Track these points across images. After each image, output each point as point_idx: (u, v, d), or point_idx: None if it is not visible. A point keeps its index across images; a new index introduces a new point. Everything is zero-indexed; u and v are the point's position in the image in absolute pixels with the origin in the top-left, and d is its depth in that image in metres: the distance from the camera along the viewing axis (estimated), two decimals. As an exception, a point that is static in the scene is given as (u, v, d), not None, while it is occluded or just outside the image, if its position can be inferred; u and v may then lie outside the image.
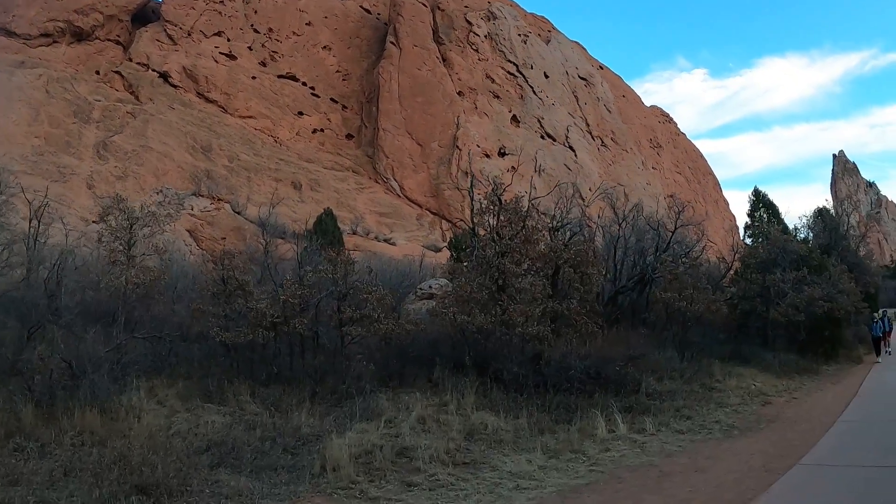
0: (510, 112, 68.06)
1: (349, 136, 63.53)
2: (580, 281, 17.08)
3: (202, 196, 45.09)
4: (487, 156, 59.58)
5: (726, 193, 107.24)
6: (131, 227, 15.18)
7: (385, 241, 47.19)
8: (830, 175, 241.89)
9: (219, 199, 45.35)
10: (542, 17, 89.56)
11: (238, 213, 42.55)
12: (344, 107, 66.09)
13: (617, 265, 25.59)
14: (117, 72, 56.23)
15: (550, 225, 21.01)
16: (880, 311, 34.42)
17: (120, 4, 60.22)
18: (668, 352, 19.74)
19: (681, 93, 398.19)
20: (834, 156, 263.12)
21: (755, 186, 35.86)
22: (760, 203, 36.96)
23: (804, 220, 39.51)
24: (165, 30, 60.92)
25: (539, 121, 69.88)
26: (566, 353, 14.23)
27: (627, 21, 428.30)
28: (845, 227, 43.03)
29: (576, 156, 71.50)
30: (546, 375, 14.00)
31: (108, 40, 59.32)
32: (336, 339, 14.25)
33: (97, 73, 55.88)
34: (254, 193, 47.61)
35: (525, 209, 17.06)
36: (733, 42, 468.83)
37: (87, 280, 17.58)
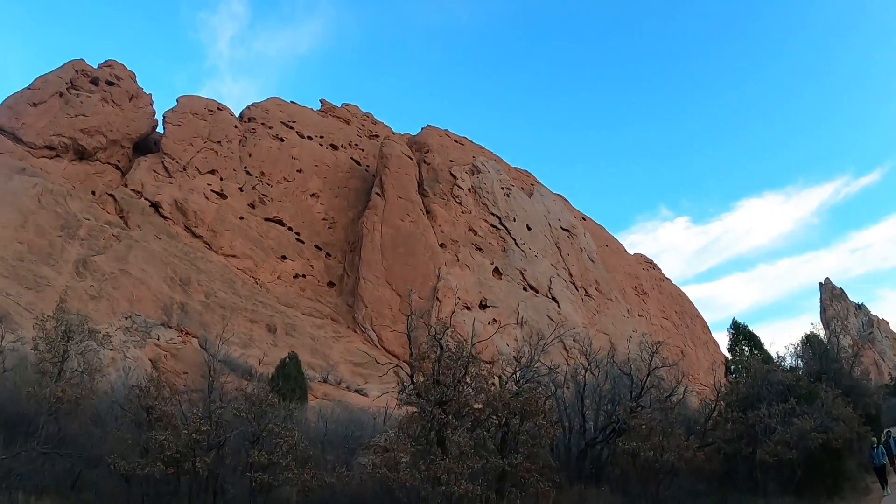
0: (492, 264, 69.26)
1: (331, 284, 64.16)
2: (529, 433, 15.76)
3: (170, 327, 44.89)
4: (468, 308, 59.97)
5: (717, 335, 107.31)
6: (67, 339, 14.92)
7: (357, 391, 46.46)
8: (819, 304, 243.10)
9: (187, 333, 45.09)
10: (526, 171, 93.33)
11: (204, 350, 42.10)
12: (328, 254, 67.25)
13: (585, 415, 24.74)
14: (111, 195, 57.75)
15: (511, 375, 20.49)
16: (884, 433, 30.43)
17: (124, 132, 63.19)
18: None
19: (665, 241, 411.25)
20: (820, 284, 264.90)
21: (733, 319, 33.77)
22: (740, 336, 35.52)
23: (791, 348, 38.02)
24: (163, 161, 63.29)
25: (521, 272, 71.00)
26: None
27: (611, 174, 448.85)
28: (836, 350, 41.35)
29: (559, 307, 72.05)
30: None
31: (109, 163, 61.51)
32: (245, 487, 13.27)
33: (92, 192, 57.54)
34: (227, 332, 47.23)
35: (468, 354, 16.09)
36: (711, 188, 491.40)
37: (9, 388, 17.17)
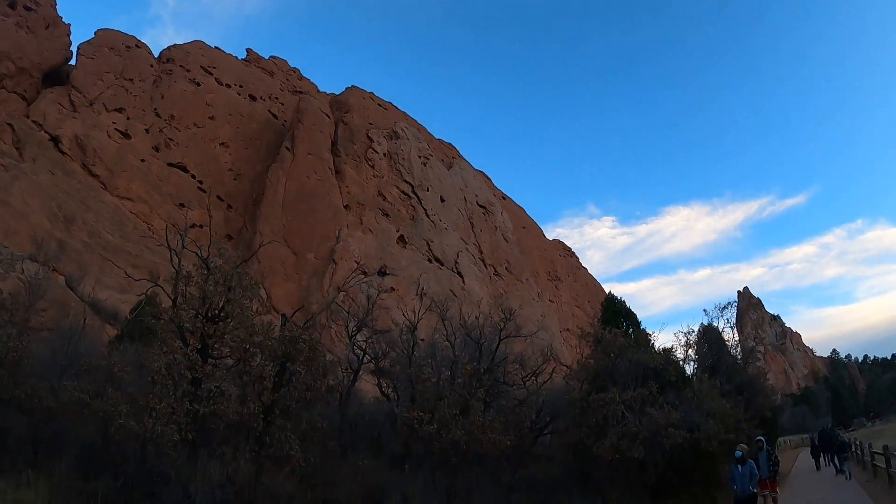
0: (398, 231, 69.45)
1: (228, 237, 63.08)
2: (298, 386, 13.64)
3: (37, 262, 43.69)
4: (366, 273, 59.97)
5: (649, 334, 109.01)
6: None
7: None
8: (735, 311, 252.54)
9: (54, 270, 43.93)
10: (449, 143, 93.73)
11: (72, 289, 41.04)
12: (229, 206, 66.27)
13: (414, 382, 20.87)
14: (10, 124, 55.56)
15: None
16: (757, 442, 20.70)
17: (35, 60, 61.01)
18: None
19: (591, 238, 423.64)
20: (739, 292, 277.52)
21: (609, 292, 30.16)
22: (613, 312, 27.60)
23: (682, 336, 33.77)
24: (70, 95, 61.28)
25: (428, 243, 71.37)
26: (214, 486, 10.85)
27: (545, 169, 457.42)
28: (733, 345, 38.54)
29: (464, 282, 72.83)
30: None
31: (15, 92, 59.28)
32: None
33: (-9, 120, 55.17)
34: (105, 275, 46.45)
35: (233, 276, 14.07)
36: (640, 192, 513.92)
37: None
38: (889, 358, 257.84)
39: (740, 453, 15.43)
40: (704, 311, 50.37)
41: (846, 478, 29.65)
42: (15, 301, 19.89)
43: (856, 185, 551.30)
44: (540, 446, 23.58)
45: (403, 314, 57.17)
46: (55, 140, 57.86)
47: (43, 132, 57.54)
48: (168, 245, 15.82)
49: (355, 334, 24.61)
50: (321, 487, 12.82)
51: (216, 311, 13.41)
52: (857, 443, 37.64)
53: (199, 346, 13.06)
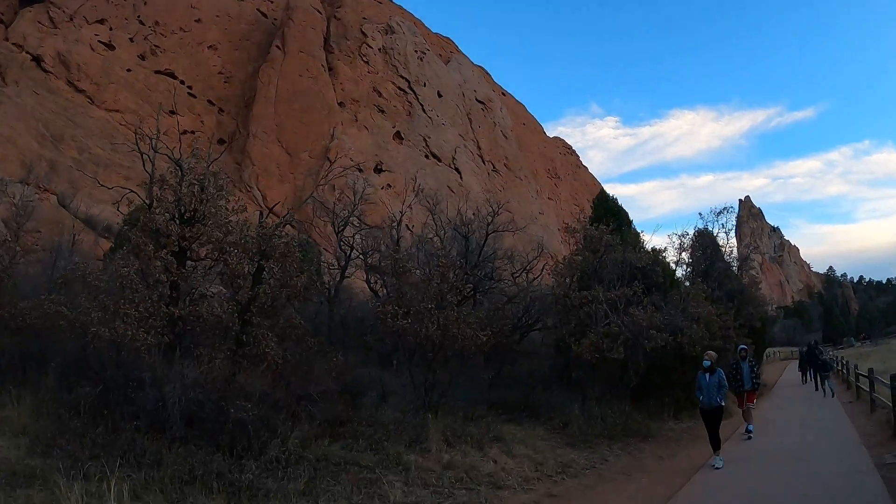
0: (394, 128, 68.52)
1: (221, 142, 61.78)
2: (275, 283, 13.64)
3: (28, 184, 43.53)
4: (361, 170, 59.38)
5: (643, 236, 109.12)
6: None
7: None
8: (735, 219, 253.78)
9: (45, 190, 43.82)
10: (447, 37, 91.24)
11: (64, 207, 41.06)
12: (221, 110, 65.12)
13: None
14: None
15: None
16: (741, 351, 19.77)
17: None
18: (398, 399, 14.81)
19: (593, 137, 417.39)
20: (740, 201, 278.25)
21: (601, 189, 28.14)
22: (605, 210, 26.28)
23: (676, 239, 33.23)
24: (49, 11, 59.40)
25: (425, 139, 70.57)
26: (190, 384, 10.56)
27: (549, 64, 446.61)
28: (729, 250, 37.70)
29: (461, 178, 72.39)
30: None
31: None
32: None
33: (-30, 46, 54.11)
34: (98, 190, 46.31)
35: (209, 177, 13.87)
36: (646, 93, 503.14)
37: None
38: (884, 282, 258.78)
39: (709, 362, 14.31)
40: (700, 214, 49.58)
41: (825, 395, 29.88)
42: (7, 226, 20.03)
43: (866, 105, 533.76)
44: (531, 344, 23.15)
45: (400, 211, 57.60)
46: (37, 60, 56.35)
47: (24, 53, 55.98)
48: (138, 149, 15.36)
49: (342, 230, 24.24)
50: (296, 384, 12.75)
51: (191, 213, 13.29)
52: (844, 362, 37.84)
53: (176, 250, 13.00)
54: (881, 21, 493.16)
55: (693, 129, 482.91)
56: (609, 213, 25.03)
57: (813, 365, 35.21)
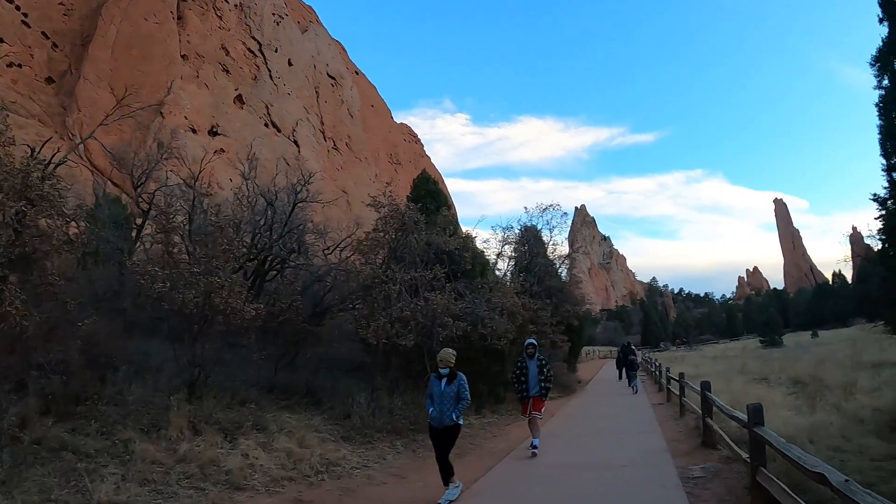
0: (237, 90, 67.45)
1: (50, 80, 57.26)
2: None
3: None
4: (195, 131, 58.34)
5: (466, 230, 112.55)
6: None
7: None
8: (570, 225, 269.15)
9: None
10: (309, 6, 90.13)
11: None
12: (55, 45, 59.97)
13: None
14: None
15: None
16: (527, 347, 15.42)
17: None
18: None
19: (442, 131, 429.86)
20: (576, 208, 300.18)
21: (423, 170, 28.16)
22: (426, 191, 24.91)
23: (500, 232, 34.15)
24: None
25: (267, 107, 70.05)
26: None
27: (410, 53, 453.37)
28: (553, 248, 38.21)
29: (299, 152, 72.36)
30: None
31: None
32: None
33: None
34: None
35: None
36: (499, 95, 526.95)
37: None
38: (702, 295, 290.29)
39: (447, 370, 10.46)
40: (525, 208, 51.48)
41: (633, 392, 30.47)
42: None
43: (703, 138, 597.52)
44: (340, 326, 21.27)
45: (230, 178, 56.90)
46: None
47: None
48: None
49: (140, 185, 22.41)
50: (40, 351, 11.14)
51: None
52: (657, 363, 38.18)
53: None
54: (739, 64, 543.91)
55: (540, 137, 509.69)
56: (429, 195, 24.37)
57: (625, 364, 36.34)
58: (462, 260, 20.52)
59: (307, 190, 22.54)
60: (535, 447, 14.21)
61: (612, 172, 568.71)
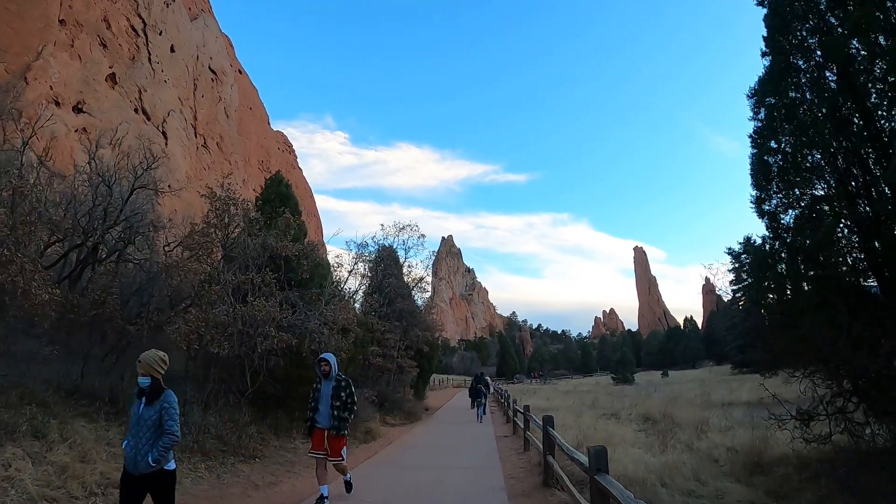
0: (111, 69, 63.02)
1: None
2: None
3: None
4: (58, 104, 53.96)
5: (330, 248, 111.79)
6: None
7: None
8: (435, 254, 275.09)
9: None
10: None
11: None
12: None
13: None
14: None
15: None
16: (322, 362, 11.76)
17: None
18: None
19: (319, 147, 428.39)
20: (443, 238, 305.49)
21: (277, 171, 26.00)
22: (277, 194, 23.38)
23: (356, 247, 33.51)
24: None
25: (140, 91, 66.00)
26: None
27: (300, 63, 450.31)
28: (407, 269, 37.68)
29: (166, 144, 68.68)
30: None
31: None
32: None
33: None
34: None
35: None
36: (380, 118, 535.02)
37: None
38: (559, 332, 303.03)
39: (147, 381, 6.87)
40: (382, 225, 51.14)
41: (479, 421, 30.50)
42: None
43: (572, 184, 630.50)
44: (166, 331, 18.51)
45: (88, 160, 52.80)
46: None
47: None
48: None
49: None
50: None
51: None
52: (507, 394, 37.49)
53: None
54: (619, 109, 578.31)
55: (416, 165, 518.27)
56: (279, 198, 22.75)
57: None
58: (300, 268, 19.31)
59: (152, 175, 20.08)
60: (324, 498, 10.80)
61: (482, 207, 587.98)
